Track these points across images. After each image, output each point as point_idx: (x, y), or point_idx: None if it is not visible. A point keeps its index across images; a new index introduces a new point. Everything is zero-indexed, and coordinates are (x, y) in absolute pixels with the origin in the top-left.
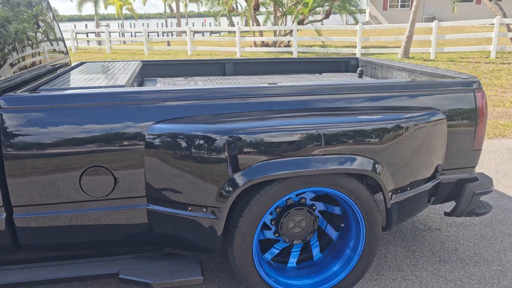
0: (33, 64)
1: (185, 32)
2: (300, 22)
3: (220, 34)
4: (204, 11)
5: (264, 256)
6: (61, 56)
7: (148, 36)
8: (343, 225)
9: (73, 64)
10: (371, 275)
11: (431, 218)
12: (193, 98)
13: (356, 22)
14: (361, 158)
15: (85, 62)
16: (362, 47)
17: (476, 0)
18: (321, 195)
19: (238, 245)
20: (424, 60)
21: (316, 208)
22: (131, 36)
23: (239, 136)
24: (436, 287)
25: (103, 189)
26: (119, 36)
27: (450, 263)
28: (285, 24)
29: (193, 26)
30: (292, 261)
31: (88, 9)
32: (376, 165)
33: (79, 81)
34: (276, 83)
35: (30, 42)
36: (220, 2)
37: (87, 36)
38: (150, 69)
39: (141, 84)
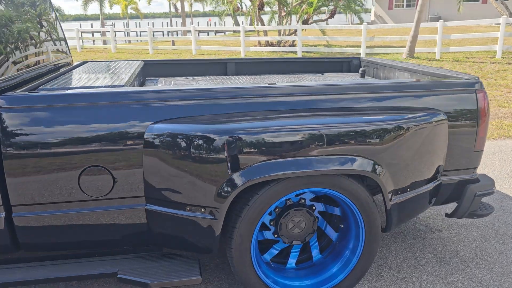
0: (34, 63)
1: (190, 31)
2: (305, 22)
3: (225, 33)
4: (209, 10)
5: (263, 256)
6: (63, 56)
7: (154, 35)
8: (342, 226)
9: (74, 64)
10: (371, 276)
11: (433, 219)
12: (192, 98)
13: (361, 22)
14: (360, 159)
15: (87, 62)
16: (367, 47)
17: None
18: (320, 195)
19: (237, 245)
20: (429, 60)
21: (315, 208)
22: (137, 36)
23: (237, 136)
24: None
25: (102, 189)
26: (125, 36)
27: (451, 264)
28: (290, 24)
29: (198, 25)
30: (292, 261)
31: (93, 8)
32: (376, 166)
33: (79, 80)
34: (275, 83)
35: (31, 41)
36: (225, 1)
37: (93, 35)
38: (152, 69)
39: (142, 83)
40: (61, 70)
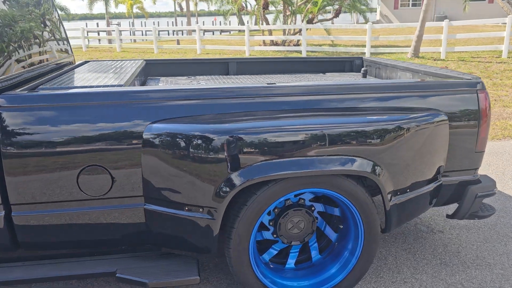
0: (35, 63)
1: (194, 30)
2: (310, 21)
3: (230, 33)
4: (215, 9)
5: (262, 256)
6: (64, 55)
7: (159, 34)
8: (342, 226)
9: (76, 63)
10: (370, 277)
11: (434, 220)
12: (191, 97)
13: (366, 21)
14: (360, 160)
15: (88, 61)
16: (372, 46)
17: None
18: (320, 196)
19: (235, 245)
20: (435, 60)
21: (315, 209)
22: (142, 35)
23: (235, 136)
24: None
25: (101, 188)
26: (130, 35)
27: (451, 266)
28: (295, 23)
29: (203, 24)
30: (291, 262)
31: (99, 8)
32: (375, 167)
33: (79, 80)
34: (274, 83)
35: (32, 41)
36: (230, 1)
37: (99, 34)
38: (154, 68)
39: (144, 83)
40: (62, 69)
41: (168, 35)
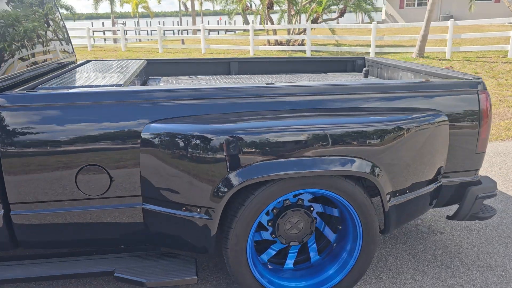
0: (36, 62)
1: (199, 30)
2: (314, 21)
3: (235, 32)
4: (220, 9)
5: (261, 257)
6: (66, 55)
7: (164, 34)
8: (340, 227)
9: (77, 63)
10: (369, 278)
11: (436, 221)
12: (189, 97)
13: (372, 21)
14: (358, 160)
15: (90, 61)
16: (377, 46)
17: None
18: (319, 196)
19: (232, 245)
20: (440, 60)
21: (313, 209)
22: (147, 34)
23: (233, 136)
24: None
25: (99, 188)
26: (135, 34)
27: (452, 267)
28: (299, 23)
29: (208, 24)
30: (289, 262)
31: (104, 7)
32: (374, 168)
33: (79, 80)
34: (273, 83)
35: (33, 40)
36: (234, 0)
37: (104, 34)
38: (156, 68)
39: (145, 82)
40: (63, 69)
41: (173, 34)
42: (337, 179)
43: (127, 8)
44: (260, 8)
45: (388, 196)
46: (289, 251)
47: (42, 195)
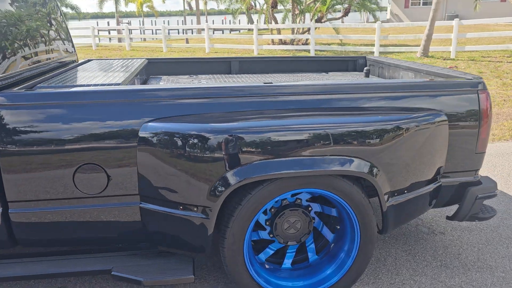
0: (36, 61)
1: (204, 29)
2: (318, 20)
3: (239, 31)
4: (224, 8)
5: (258, 256)
6: (67, 54)
7: (168, 33)
8: (338, 227)
9: (78, 62)
10: (368, 278)
11: (436, 221)
12: (187, 96)
13: (376, 20)
14: (356, 160)
15: (91, 60)
16: (381, 46)
17: None
18: (317, 196)
19: (229, 245)
20: (444, 59)
21: (311, 209)
22: (152, 34)
23: (231, 135)
24: None
25: (97, 187)
26: (140, 34)
27: (452, 268)
28: (303, 22)
29: (213, 23)
30: (287, 262)
31: (109, 6)
32: (372, 167)
33: (78, 78)
34: (271, 83)
35: (34, 39)
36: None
37: (109, 33)
38: (157, 67)
39: (145, 82)
40: (64, 68)
41: (178, 34)
42: (334, 179)
43: (132, 7)
44: (264, 7)
45: (386, 196)
46: (287, 251)
47: (40, 194)
